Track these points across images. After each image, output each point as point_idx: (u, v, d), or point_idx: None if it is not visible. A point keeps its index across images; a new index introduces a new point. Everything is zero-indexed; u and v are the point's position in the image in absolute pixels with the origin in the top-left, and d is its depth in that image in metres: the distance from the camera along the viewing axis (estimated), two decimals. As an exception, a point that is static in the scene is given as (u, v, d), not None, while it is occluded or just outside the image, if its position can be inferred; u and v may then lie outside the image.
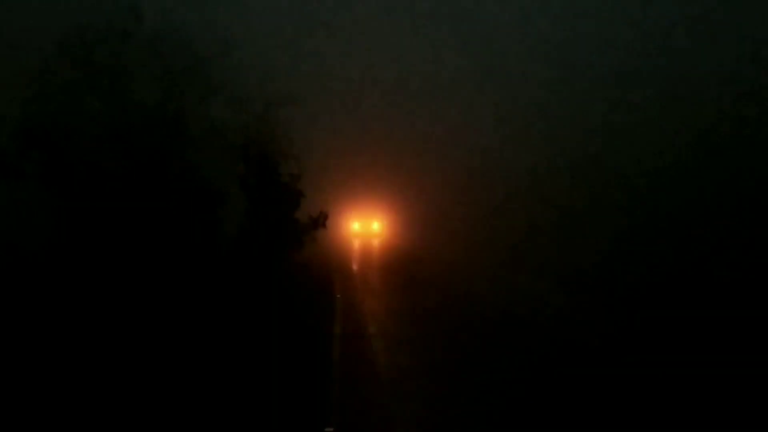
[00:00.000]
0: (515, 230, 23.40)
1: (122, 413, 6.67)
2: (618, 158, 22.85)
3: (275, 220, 19.52)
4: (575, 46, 25.04)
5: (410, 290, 17.40)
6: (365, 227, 31.76)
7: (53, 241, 14.79)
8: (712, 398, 7.36)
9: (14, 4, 16.45)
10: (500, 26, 25.50)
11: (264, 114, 18.67)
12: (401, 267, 23.65)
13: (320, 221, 20.94)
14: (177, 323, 10.84)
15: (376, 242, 30.95)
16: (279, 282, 16.10)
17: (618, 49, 23.97)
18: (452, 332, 11.57)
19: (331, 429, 6.31)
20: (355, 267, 23.56)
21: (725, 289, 13.02)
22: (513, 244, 22.12)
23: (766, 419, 6.72)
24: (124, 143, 15.94)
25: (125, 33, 16.23)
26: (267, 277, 16.41)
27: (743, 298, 12.17)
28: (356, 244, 29.87)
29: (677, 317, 11.57)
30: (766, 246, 15.89)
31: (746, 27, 21.26)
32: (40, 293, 11.97)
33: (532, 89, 25.90)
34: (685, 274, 15.28)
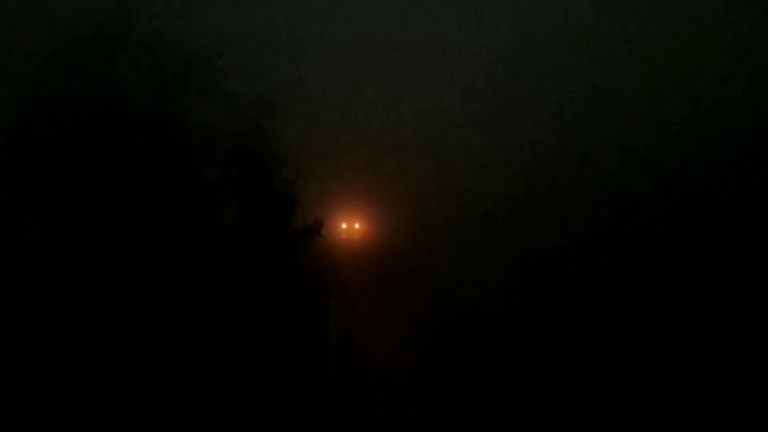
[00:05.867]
0: (496, 229, 23.50)
1: (112, 414, 6.50)
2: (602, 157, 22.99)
3: (269, 227, 19.30)
4: (563, 49, 25.21)
5: (396, 290, 17.45)
6: (351, 227, 31.71)
7: (44, 248, 14.56)
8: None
9: (3, 11, 16.31)
10: (496, 31, 25.62)
11: (257, 119, 18.50)
12: (386, 267, 23.60)
13: (315, 229, 20.73)
14: (169, 329, 10.65)
15: (360, 242, 30.82)
16: (273, 289, 15.92)
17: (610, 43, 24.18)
18: (438, 331, 11.61)
19: None
20: (343, 269, 23.42)
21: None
22: (493, 242, 22.23)
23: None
24: (116, 149, 15.75)
25: (117, 38, 16.09)
26: (261, 285, 16.21)
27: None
28: (342, 244, 29.70)
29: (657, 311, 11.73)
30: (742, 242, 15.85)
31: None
32: (31, 300, 11.78)
33: (519, 91, 26.07)
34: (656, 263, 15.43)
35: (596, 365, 8.80)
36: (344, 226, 32.27)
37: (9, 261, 13.42)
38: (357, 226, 33.15)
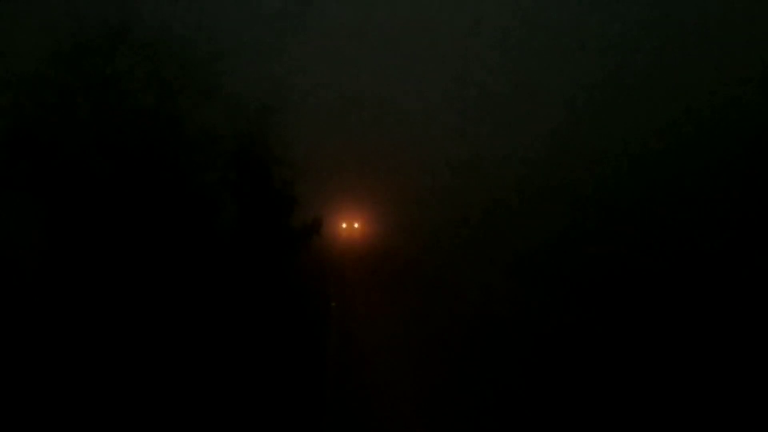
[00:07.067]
0: (496, 228, 23.53)
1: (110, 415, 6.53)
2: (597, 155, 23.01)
3: (269, 228, 19.32)
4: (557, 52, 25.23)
5: (396, 289, 17.51)
6: (351, 227, 31.77)
7: (44, 250, 14.56)
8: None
9: (4, 10, 16.30)
10: (499, 34, 25.65)
11: (257, 120, 18.51)
12: (386, 266, 23.62)
13: (314, 228, 20.77)
14: (169, 330, 10.67)
15: (360, 241, 30.83)
16: (273, 289, 15.93)
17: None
18: (437, 331, 11.62)
19: None
20: (343, 268, 23.45)
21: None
22: (493, 242, 22.29)
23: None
24: (116, 149, 15.75)
25: (117, 39, 16.09)
26: (261, 285, 16.23)
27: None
28: (342, 243, 29.72)
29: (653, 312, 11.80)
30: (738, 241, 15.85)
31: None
32: (31, 301, 11.80)
33: (519, 93, 26.11)
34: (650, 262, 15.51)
35: (598, 366, 8.82)
36: (344, 225, 32.34)
37: (8, 262, 13.43)
38: (356, 225, 33.22)
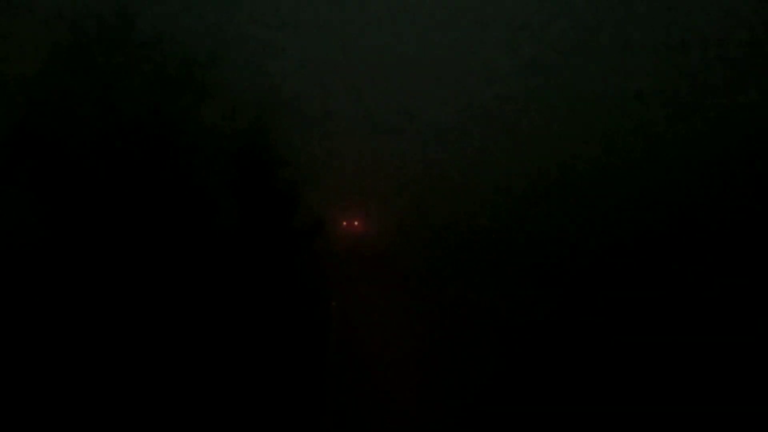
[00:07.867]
0: (497, 228, 23.50)
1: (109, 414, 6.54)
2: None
3: (269, 226, 19.32)
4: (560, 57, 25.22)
5: (397, 289, 17.49)
6: (351, 226, 31.68)
7: (45, 249, 14.59)
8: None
9: (4, 10, 16.33)
10: (497, 34, 25.64)
11: (258, 120, 18.53)
12: (387, 266, 23.59)
13: (315, 227, 20.77)
14: (170, 329, 10.68)
15: (361, 240, 30.76)
16: (273, 288, 15.94)
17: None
18: (437, 331, 11.65)
19: None
20: (344, 268, 23.40)
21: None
22: (494, 242, 22.26)
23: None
24: (116, 149, 15.78)
25: (118, 38, 16.12)
26: (261, 284, 16.24)
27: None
28: (343, 243, 29.66)
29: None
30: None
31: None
32: (33, 300, 11.82)
33: (518, 92, 26.11)
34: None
35: (597, 365, 8.82)
36: (344, 224, 32.36)
37: (10, 262, 13.46)
38: (356, 224, 33.26)
